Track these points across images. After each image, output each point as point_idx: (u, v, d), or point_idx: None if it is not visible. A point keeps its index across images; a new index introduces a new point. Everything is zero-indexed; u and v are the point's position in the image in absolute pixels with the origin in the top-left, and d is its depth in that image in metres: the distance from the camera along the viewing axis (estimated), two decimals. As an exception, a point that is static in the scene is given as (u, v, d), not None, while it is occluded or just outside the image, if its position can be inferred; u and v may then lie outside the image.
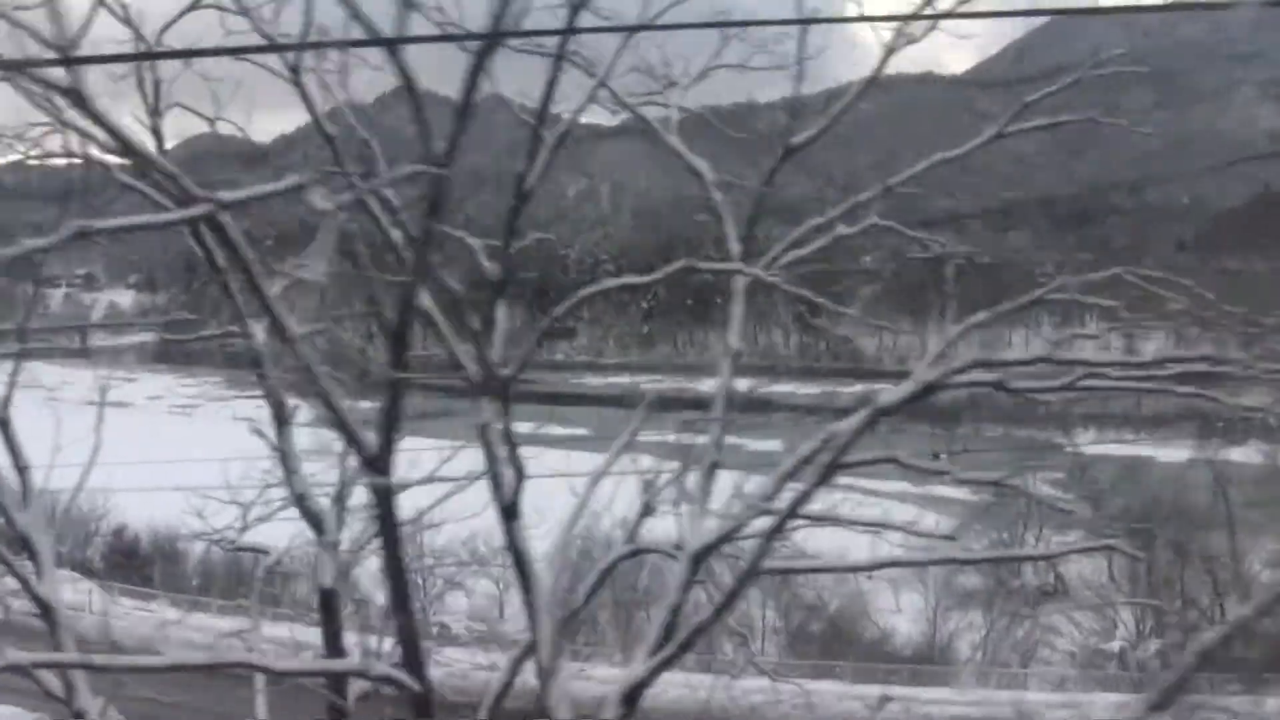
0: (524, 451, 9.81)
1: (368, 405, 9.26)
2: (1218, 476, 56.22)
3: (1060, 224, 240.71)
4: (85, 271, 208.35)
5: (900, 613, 48.75)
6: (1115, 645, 44.25)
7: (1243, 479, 56.89)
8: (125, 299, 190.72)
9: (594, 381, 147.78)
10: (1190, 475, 57.83)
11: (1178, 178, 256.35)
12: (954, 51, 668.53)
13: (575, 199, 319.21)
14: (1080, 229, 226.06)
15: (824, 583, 46.93)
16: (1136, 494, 53.68)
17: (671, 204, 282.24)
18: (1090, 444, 77.99)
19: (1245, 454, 63.98)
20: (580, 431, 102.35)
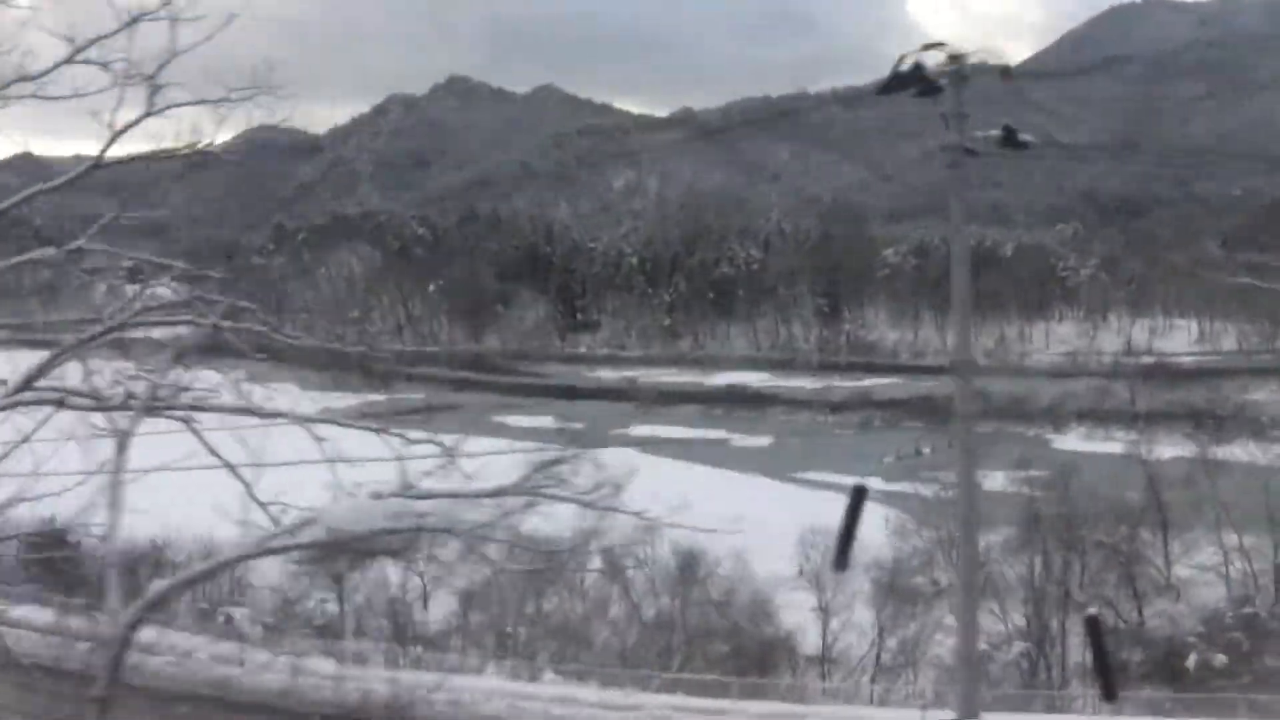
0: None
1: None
2: (1150, 475, 54.37)
3: (1107, 216, 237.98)
4: (130, 263, 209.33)
5: (815, 611, 46.72)
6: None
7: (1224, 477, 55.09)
8: (167, 291, 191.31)
9: (608, 375, 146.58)
10: (1159, 472, 55.83)
11: (1229, 170, 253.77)
12: (1011, 41, 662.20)
13: (622, 191, 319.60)
14: (1127, 221, 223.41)
15: (724, 578, 45.51)
16: (1079, 490, 52.74)
17: (715, 196, 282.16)
18: (1081, 441, 76.79)
19: (1230, 452, 62.92)
20: (542, 422, 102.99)
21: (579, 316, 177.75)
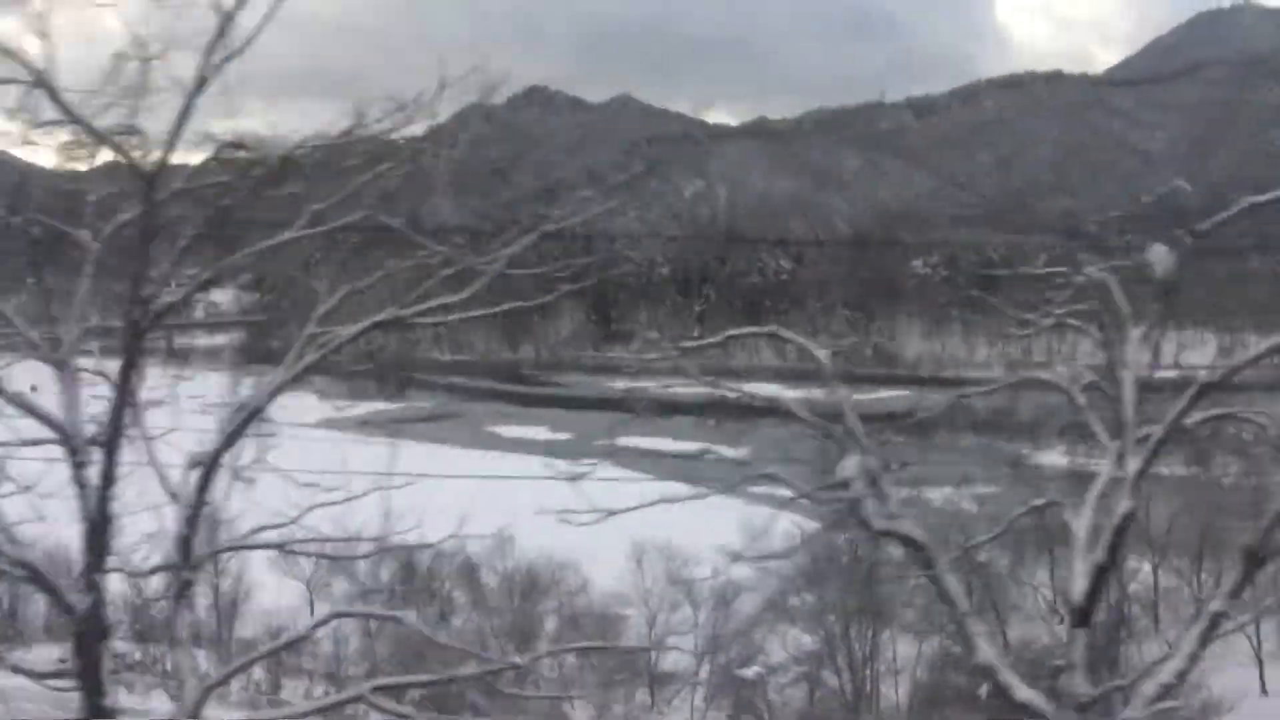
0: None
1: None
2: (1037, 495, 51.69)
3: (1181, 224, 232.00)
4: (195, 270, 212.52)
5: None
6: (750, 671, 40.74)
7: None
8: (228, 298, 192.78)
9: (622, 385, 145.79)
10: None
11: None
12: (1101, 47, 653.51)
13: (691, 199, 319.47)
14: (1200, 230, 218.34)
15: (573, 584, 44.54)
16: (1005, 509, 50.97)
17: (783, 204, 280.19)
18: (1058, 456, 74.75)
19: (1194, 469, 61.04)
20: (553, 435, 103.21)
21: (613, 326, 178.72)
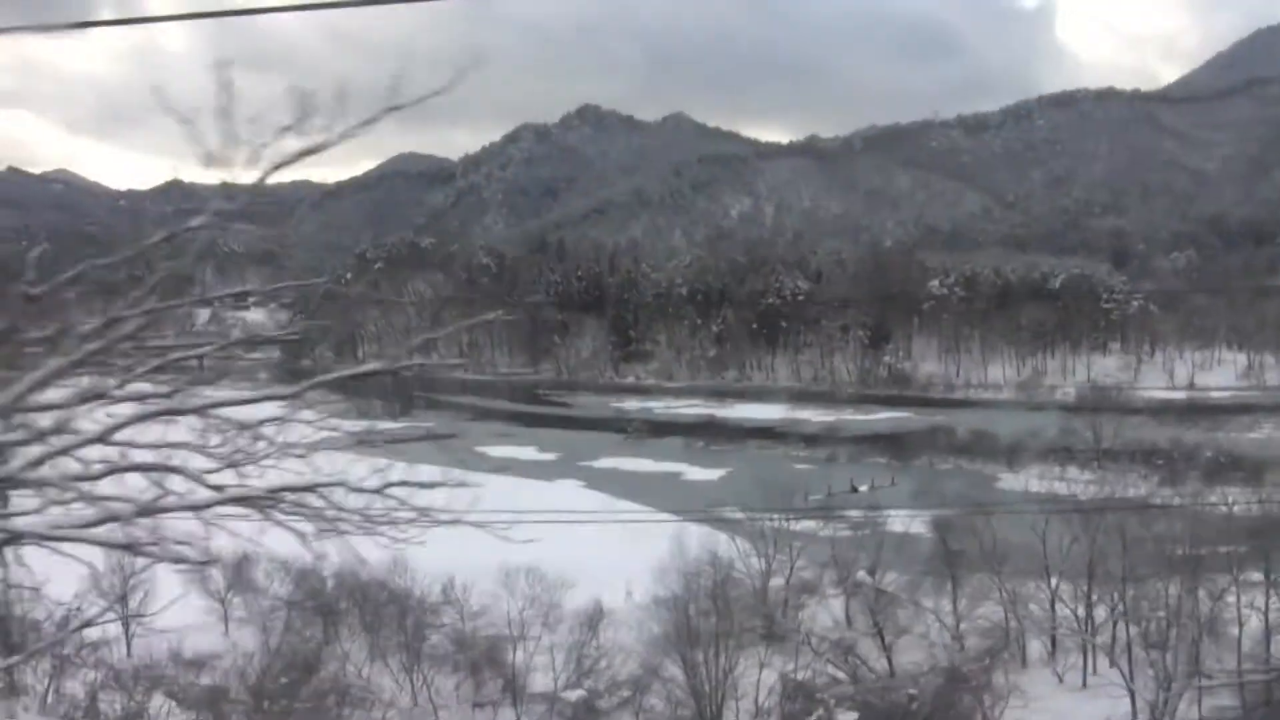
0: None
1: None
2: (938, 525, 51.22)
3: (1231, 244, 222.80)
4: (241, 289, 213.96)
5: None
6: (574, 694, 38.62)
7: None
8: (266, 317, 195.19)
9: (631, 405, 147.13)
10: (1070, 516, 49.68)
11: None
12: (1162, 63, 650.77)
13: (738, 218, 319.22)
14: (1252, 249, 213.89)
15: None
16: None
17: (831, 224, 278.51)
18: (1033, 480, 73.69)
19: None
20: (540, 456, 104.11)
21: (632, 346, 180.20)
